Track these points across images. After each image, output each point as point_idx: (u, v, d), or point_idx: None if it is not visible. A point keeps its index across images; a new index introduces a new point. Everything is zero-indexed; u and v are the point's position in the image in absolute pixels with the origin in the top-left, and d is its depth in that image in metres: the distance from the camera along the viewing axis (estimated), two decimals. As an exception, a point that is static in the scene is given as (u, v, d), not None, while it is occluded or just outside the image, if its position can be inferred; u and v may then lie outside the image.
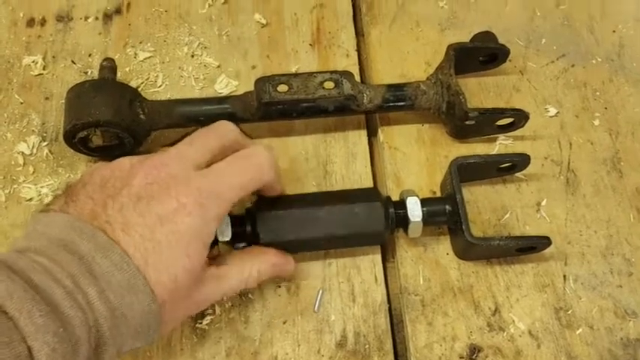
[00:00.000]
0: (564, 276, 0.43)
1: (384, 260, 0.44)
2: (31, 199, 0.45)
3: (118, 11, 0.54)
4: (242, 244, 0.40)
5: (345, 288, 0.43)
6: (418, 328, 0.41)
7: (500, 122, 0.46)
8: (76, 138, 0.43)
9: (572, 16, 0.54)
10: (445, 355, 0.40)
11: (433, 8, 0.54)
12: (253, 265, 0.37)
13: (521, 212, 0.45)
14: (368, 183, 0.46)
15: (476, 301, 0.42)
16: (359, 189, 0.44)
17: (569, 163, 0.47)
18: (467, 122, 0.45)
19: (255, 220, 0.39)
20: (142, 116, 0.44)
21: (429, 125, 0.49)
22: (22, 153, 0.47)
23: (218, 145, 0.37)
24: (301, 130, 0.48)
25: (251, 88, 0.44)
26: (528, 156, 0.43)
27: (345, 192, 0.42)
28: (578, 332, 0.41)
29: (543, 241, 0.41)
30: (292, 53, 0.52)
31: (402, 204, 0.40)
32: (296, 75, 0.44)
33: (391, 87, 0.46)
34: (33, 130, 0.48)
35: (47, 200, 0.45)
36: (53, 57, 0.51)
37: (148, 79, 0.50)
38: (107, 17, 0.53)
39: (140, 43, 0.52)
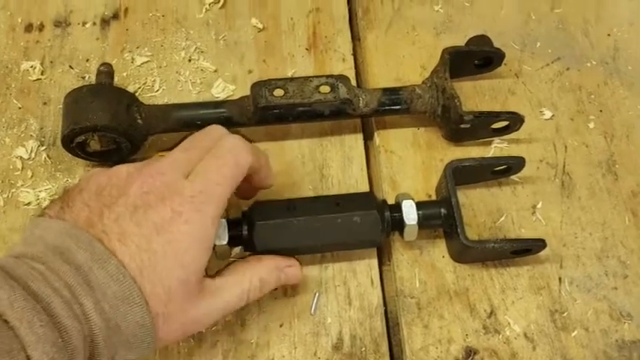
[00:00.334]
0: (560, 278, 0.43)
1: (380, 263, 0.44)
2: (29, 204, 0.46)
3: (116, 16, 0.54)
4: (239, 248, 0.40)
5: (341, 291, 0.43)
6: (414, 331, 0.41)
7: (496, 125, 0.46)
8: (73, 143, 0.43)
9: (567, 20, 0.54)
10: (441, 357, 0.40)
11: (429, 12, 0.54)
12: (253, 274, 0.37)
13: (517, 215, 0.45)
14: (364, 186, 0.47)
15: (471, 303, 0.42)
16: (355, 194, 0.44)
17: (564, 166, 0.48)
18: (462, 126, 0.45)
19: (251, 227, 0.39)
20: (139, 121, 0.44)
21: (425, 129, 0.49)
22: (21, 157, 0.47)
23: (209, 147, 0.36)
24: (297, 134, 0.49)
25: (248, 92, 0.45)
26: (523, 159, 0.43)
27: (340, 197, 0.42)
28: (573, 334, 0.41)
29: (538, 244, 0.41)
30: (289, 57, 0.52)
31: (397, 207, 0.41)
32: (292, 79, 0.45)
33: (387, 91, 0.46)
34: (31, 135, 0.48)
35: (45, 205, 0.45)
36: (51, 62, 0.52)
37: (145, 83, 0.51)
38: (105, 22, 0.54)
39: (137, 47, 0.52)
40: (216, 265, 0.37)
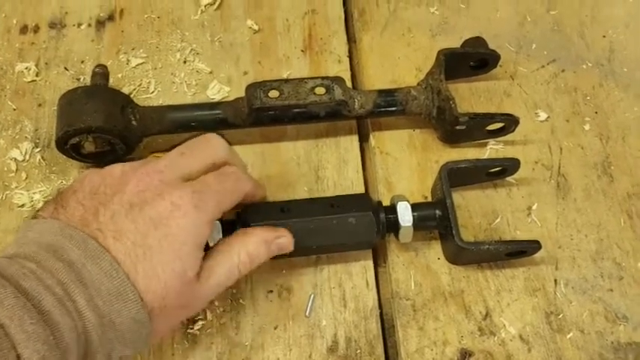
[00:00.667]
0: (555, 280, 0.43)
1: (376, 265, 0.44)
2: (23, 206, 0.45)
3: (111, 18, 0.54)
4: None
5: (336, 293, 0.43)
6: (409, 333, 0.41)
7: (491, 127, 0.46)
8: (68, 144, 0.43)
9: (563, 22, 0.54)
10: (436, 359, 0.40)
11: (424, 14, 0.54)
12: (240, 248, 0.36)
13: (512, 217, 0.45)
14: (359, 188, 0.47)
15: (467, 305, 0.42)
16: (350, 195, 0.44)
17: (559, 168, 0.48)
18: (457, 127, 0.45)
19: (245, 222, 0.39)
20: (133, 122, 0.44)
21: (420, 130, 0.49)
22: (15, 159, 0.47)
23: (208, 160, 0.37)
24: (293, 136, 0.49)
25: (243, 94, 0.45)
26: (518, 160, 0.43)
27: (335, 199, 0.41)
28: (568, 336, 0.41)
29: (533, 246, 0.41)
30: (284, 59, 0.52)
31: (392, 209, 0.40)
32: (287, 81, 0.45)
33: (382, 92, 0.46)
34: (26, 137, 0.48)
35: (39, 206, 0.45)
36: (46, 64, 0.52)
37: (140, 85, 0.51)
38: (100, 24, 0.53)
39: (132, 49, 0.52)
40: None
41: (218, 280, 0.35)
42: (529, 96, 0.51)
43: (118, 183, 0.34)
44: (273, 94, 0.44)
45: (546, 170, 0.47)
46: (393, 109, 0.46)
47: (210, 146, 0.37)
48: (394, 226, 0.40)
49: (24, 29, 0.53)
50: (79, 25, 0.53)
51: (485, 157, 0.48)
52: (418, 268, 0.43)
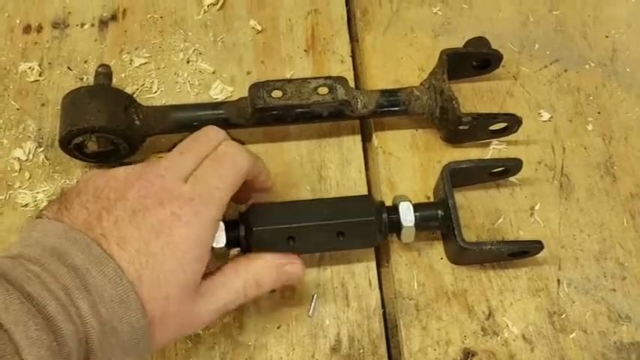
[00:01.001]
0: (558, 280, 0.43)
1: (379, 265, 0.44)
2: (26, 205, 0.46)
3: (114, 18, 0.54)
4: (237, 250, 0.40)
5: (339, 293, 0.43)
6: (412, 333, 0.41)
7: (494, 127, 0.46)
8: (71, 144, 0.43)
9: (566, 22, 0.54)
10: (439, 359, 0.40)
11: (427, 14, 0.54)
12: (248, 274, 0.36)
13: (515, 217, 0.45)
14: (362, 188, 0.47)
15: (470, 305, 0.42)
16: (353, 197, 0.43)
17: (562, 168, 0.48)
18: (460, 127, 0.45)
19: (249, 231, 0.38)
20: (136, 122, 0.44)
21: (423, 130, 0.49)
22: (18, 159, 0.47)
23: (208, 152, 0.36)
24: (296, 136, 0.49)
25: (246, 93, 0.45)
26: (520, 160, 0.43)
27: (338, 201, 0.41)
28: (571, 336, 0.41)
29: (535, 246, 0.41)
30: (287, 59, 0.52)
31: (394, 209, 0.40)
32: (290, 81, 0.45)
33: (385, 92, 0.46)
34: (29, 136, 0.48)
35: (43, 206, 0.45)
36: (49, 63, 0.52)
37: (143, 85, 0.51)
38: (103, 24, 0.54)
39: (136, 49, 0.52)
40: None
41: (224, 303, 0.35)
42: (532, 96, 0.51)
43: (121, 188, 0.34)
44: (276, 94, 0.44)
45: (549, 170, 0.47)
46: (396, 109, 0.46)
47: (207, 139, 0.37)
48: (396, 227, 0.40)
49: (27, 29, 0.53)
50: (82, 24, 0.54)
51: (488, 157, 0.48)
52: (421, 267, 0.43)
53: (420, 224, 0.40)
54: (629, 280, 0.43)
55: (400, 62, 0.52)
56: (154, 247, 0.32)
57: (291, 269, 0.37)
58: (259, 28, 0.54)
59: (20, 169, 0.47)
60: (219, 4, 0.54)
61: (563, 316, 0.42)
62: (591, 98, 0.51)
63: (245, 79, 0.51)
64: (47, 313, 0.28)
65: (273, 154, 0.48)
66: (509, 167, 0.44)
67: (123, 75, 0.51)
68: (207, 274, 0.36)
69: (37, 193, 0.46)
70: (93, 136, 0.42)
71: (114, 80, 0.48)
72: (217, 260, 0.38)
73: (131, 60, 0.52)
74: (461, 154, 0.47)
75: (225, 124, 0.45)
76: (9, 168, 0.47)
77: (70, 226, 0.32)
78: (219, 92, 0.50)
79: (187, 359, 0.40)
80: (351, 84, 0.49)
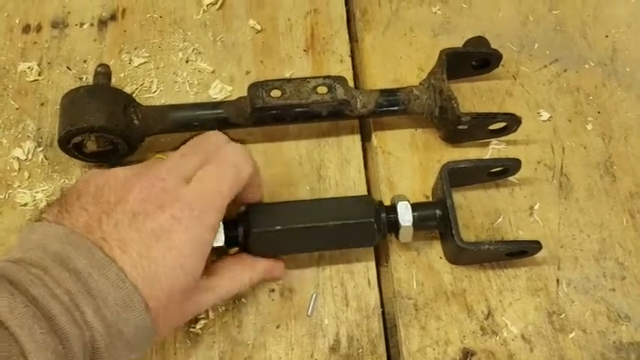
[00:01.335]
0: (557, 280, 0.43)
1: (378, 264, 0.44)
2: (26, 205, 0.46)
3: (113, 18, 0.54)
4: (235, 249, 0.40)
5: (338, 292, 0.43)
6: (411, 332, 0.41)
7: (493, 127, 0.46)
8: (70, 143, 0.43)
9: (565, 21, 0.54)
10: (438, 359, 0.40)
11: (426, 14, 0.54)
12: (244, 276, 0.38)
13: (514, 216, 0.45)
14: (361, 187, 0.47)
15: (469, 305, 0.42)
16: (352, 198, 0.43)
17: (562, 168, 0.47)
18: (459, 127, 0.45)
19: (247, 232, 0.38)
20: (135, 122, 0.44)
21: (423, 130, 0.49)
22: (18, 158, 0.47)
23: (210, 155, 0.36)
24: (295, 135, 0.49)
25: (245, 93, 0.45)
26: (519, 160, 0.43)
27: (337, 202, 0.41)
28: (571, 336, 0.41)
29: (534, 246, 0.41)
30: (286, 59, 0.52)
31: (392, 209, 0.40)
32: (289, 80, 0.45)
33: (384, 92, 0.46)
34: (28, 136, 0.48)
35: (42, 206, 0.45)
36: (48, 63, 0.52)
37: (142, 84, 0.51)
38: (102, 24, 0.54)
39: (135, 49, 0.52)
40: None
41: (219, 295, 0.37)
42: (531, 96, 0.51)
43: (121, 189, 0.34)
44: (276, 93, 0.44)
45: (549, 170, 0.47)
46: (395, 108, 0.46)
47: (210, 143, 0.37)
48: (394, 226, 0.40)
49: (26, 29, 0.53)
50: (82, 24, 0.54)
51: (487, 156, 0.48)
52: (420, 267, 0.43)
53: (418, 224, 0.40)
54: (628, 279, 0.43)
55: (399, 62, 0.52)
56: (154, 251, 0.32)
57: (275, 273, 0.41)
58: (258, 27, 0.54)
59: (19, 169, 0.47)
60: (219, 3, 0.55)
61: (562, 316, 0.42)
62: (591, 98, 0.51)
63: (244, 79, 0.51)
64: (52, 317, 0.28)
65: (272, 154, 0.48)
66: (508, 167, 0.44)
67: (122, 75, 0.51)
68: (213, 267, 0.37)
69: (36, 192, 0.46)
70: (92, 136, 0.42)
71: (113, 80, 0.48)
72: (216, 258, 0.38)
73: (130, 60, 0.52)
74: (460, 154, 0.47)
75: (224, 123, 0.45)
76: (8, 167, 0.47)
77: (70, 229, 0.32)
78: (218, 92, 0.50)
79: (187, 358, 0.40)
80: (351, 84, 0.49)
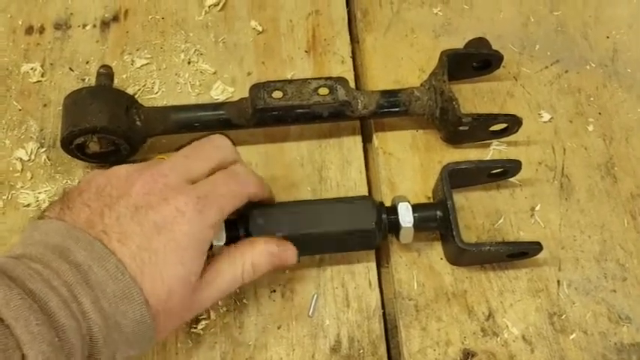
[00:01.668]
0: (558, 281, 0.43)
1: (379, 265, 0.44)
2: (28, 205, 0.46)
3: (116, 19, 0.54)
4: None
5: (339, 293, 0.43)
6: (412, 333, 0.41)
7: (494, 128, 0.46)
8: (73, 144, 0.43)
9: (566, 22, 0.54)
10: (439, 359, 0.40)
11: (427, 15, 0.54)
12: (245, 258, 0.36)
13: (515, 217, 0.45)
14: (363, 189, 0.47)
15: (470, 306, 0.42)
16: (353, 200, 0.42)
17: (563, 169, 0.48)
18: (460, 128, 0.45)
19: (248, 235, 0.39)
20: (138, 123, 0.44)
21: (424, 131, 0.49)
22: (20, 159, 0.48)
23: (213, 160, 0.37)
24: (296, 136, 0.49)
25: (247, 94, 0.45)
26: (520, 162, 0.43)
27: (338, 204, 0.41)
28: (571, 337, 0.41)
29: (534, 247, 0.41)
30: (288, 60, 0.52)
31: (393, 210, 0.41)
32: (290, 81, 0.45)
33: (385, 93, 0.47)
34: (31, 137, 0.49)
35: (45, 206, 0.45)
36: (51, 64, 0.52)
37: (144, 85, 0.51)
38: (105, 25, 0.54)
39: (137, 50, 0.53)
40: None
41: (220, 287, 0.36)
42: (532, 97, 0.51)
43: (123, 185, 0.34)
44: (277, 94, 0.44)
45: (550, 171, 0.47)
46: (396, 109, 0.46)
47: (214, 147, 0.38)
48: (395, 227, 0.40)
49: (29, 30, 0.54)
50: (84, 25, 0.54)
51: (488, 157, 0.48)
52: (421, 268, 0.43)
53: (419, 225, 0.40)
54: (629, 281, 0.43)
55: (400, 63, 0.52)
56: (155, 243, 0.32)
57: (284, 255, 0.38)
58: (260, 28, 0.54)
59: (22, 170, 0.47)
60: (220, 5, 0.55)
61: (563, 317, 0.42)
62: (592, 99, 0.51)
63: (246, 80, 0.51)
64: (49, 309, 0.28)
65: (273, 155, 0.48)
66: (509, 168, 0.44)
67: (124, 76, 0.51)
68: (211, 260, 0.37)
69: (39, 193, 0.46)
70: (94, 137, 0.43)
71: (115, 81, 0.48)
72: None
73: (132, 61, 0.52)
74: (461, 155, 0.47)
75: (225, 124, 0.45)
76: (11, 168, 0.47)
77: (72, 224, 0.32)
78: (220, 93, 0.51)
79: (188, 359, 0.40)
80: (352, 85, 0.49)
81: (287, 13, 0.55)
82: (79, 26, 0.54)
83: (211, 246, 0.38)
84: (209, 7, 0.55)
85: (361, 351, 0.41)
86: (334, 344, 0.41)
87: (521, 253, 0.41)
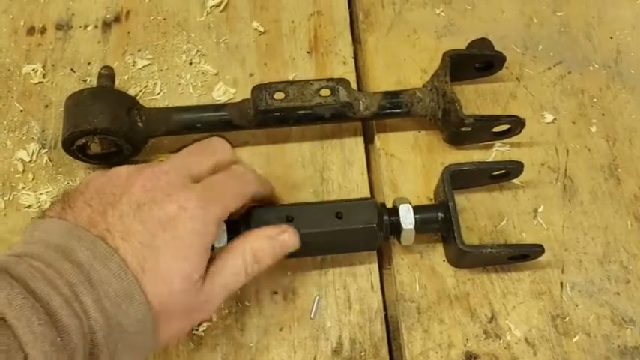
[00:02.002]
0: (561, 283, 0.43)
1: (381, 267, 0.44)
2: (30, 206, 0.46)
3: (117, 20, 0.54)
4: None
5: (341, 295, 0.43)
6: (414, 335, 0.41)
7: (497, 129, 0.46)
8: (74, 145, 0.43)
9: (569, 23, 0.54)
10: (441, 362, 0.40)
11: (430, 16, 0.54)
12: (244, 246, 0.35)
13: (518, 219, 0.45)
14: (364, 190, 0.47)
15: (472, 308, 0.42)
16: (355, 202, 0.42)
17: (566, 170, 0.47)
18: (463, 129, 0.45)
19: (249, 223, 0.39)
20: (139, 124, 0.44)
21: (426, 132, 0.49)
22: (22, 160, 0.48)
23: (213, 161, 0.37)
24: (298, 137, 0.49)
25: (249, 95, 0.45)
26: (521, 164, 0.43)
27: (340, 206, 0.40)
28: (574, 340, 0.41)
29: (536, 250, 0.41)
30: (289, 61, 0.52)
31: (394, 211, 0.40)
32: (292, 82, 0.45)
33: (387, 94, 0.46)
34: (33, 138, 0.49)
35: (46, 207, 0.45)
36: (53, 65, 0.52)
37: (146, 86, 0.51)
38: (106, 26, 0.54)
39: (139, 51, 0.52)
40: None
41: (224, 281, 0.35)
42: (535, 98, 0.50)
43: (124, 183, 0.34)
44: (279, 95, 0.44)
45: (552, 172, 0.47)
46: (399, 110, 0.46)
47: (214, 148, 0.38)
48: (396, 229, 0.40)
49: (31, 31, 0.54)
50: (86, 26, 0.54)
51: (490, 159, 0.47)
52: (423, 270, 0.43)
53: (420, 227, 0.40)
54: (633, 283, 0.43)
55: (403, 64, 0.52)
56: (159, 239, 0.32)
57: (284, 238, 0.36)
58: (262, 29, 0.54)
59: (24, 171, 0.47)
60: (222, 5, 0.55)
61: (566, 320, 0.42)
62: (595, 100, 0.50)
63: (248, 81, 0.51)
64: (51, 309, 0.28)
65: (275, 156, 0.48)
66: (510, 170, 0.44)
67: (126, 76, 0.51)
68: (212, 257, 0.36)
69: (41, 194, 0.46)
70: (96, 138, 0.43)
71: (117, 82, 0.48)
72: None
73: (134, 62, 0.52)
74: (464, 156, 0.47)
75: (227, 125, 0.45)
76: (12, 169, 0.47)
77: (73, 224, 0.32)
78: (221, 94, 0.50)
79: (189, 361, 0.40)
80: (354, 86, 0.49)
81: (289, 14, 0.54)
82: (80, 27, 0.54)
83: (213, 247, 0.38)
84: (211, 7, 0.55)
85: (363, 353, 0.41)
86: (336, 346, 0.41)
87: (522, 255, 0.41)
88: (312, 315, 0.42)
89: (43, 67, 0.52)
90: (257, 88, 0.44)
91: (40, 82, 0.51)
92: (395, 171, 0.47)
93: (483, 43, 0.49)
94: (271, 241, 0.36)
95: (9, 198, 0.46)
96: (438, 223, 0.41)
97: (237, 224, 0.39)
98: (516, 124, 0.45)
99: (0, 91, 0.51)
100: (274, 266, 0.37)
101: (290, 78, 0.51)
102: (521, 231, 0.45)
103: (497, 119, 0.45)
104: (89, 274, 0.30)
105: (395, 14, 0.55)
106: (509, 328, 0.41)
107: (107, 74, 0.46)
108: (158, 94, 0.51)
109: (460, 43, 0.51)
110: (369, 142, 0.50)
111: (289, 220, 0.39)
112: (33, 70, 0.51)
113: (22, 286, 0.28)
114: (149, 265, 0.32)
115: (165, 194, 0.33)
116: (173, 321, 0.34)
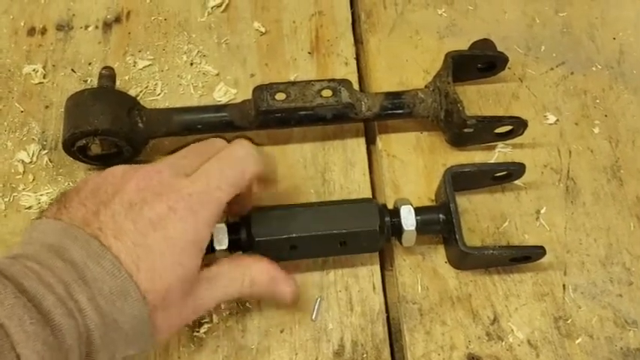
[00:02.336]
0: (564, 285, 0.43)
1: (382, 269, 0.44)
2: (30, 208, 0.46)
3: (118, 20, 0.54)
4: (239, 253, 0.40)
5: (343, 296, 0.42)
6: (416, 337, 0.41)
7: (499, 130, 0.46)
8: (74, 146, 0.43)
9: (572, 24, 0.54)
10: (443, 364, 0.40)
11: (432, 16, 0.54)
12: (245, 270, 0.36)
13: (521, 220, 0.45)
14: (366, 191, 0.46)
15: (474, 310, 0.42)
16: (356, 203, 0.42)
17: (568, 171, 0.47)
18: (465, 130, 0.45)
19: (250, 239, 0.38)
20: (140, 125, 0.44)
21: (428, 133, 0.48)
22: (22, 161, 0.47)
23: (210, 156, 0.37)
24: (300, 138, 0.48)
25: (250, 96, 0.45)
26: (523, 165, 0.43)
27: (341, 207, 0.41)
28: (577, 342, 0.41)
29: (538, 251, 0.40)
30: (291, 61, 0.52)
31: (396, 212, 0.40)
32: (294, 83, 0.45)
33: (389, 95, 0.46)
34: (33, 139, 0.48)
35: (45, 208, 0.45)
36: (53, 66, 0.52)
37: (147, 87, 0.51)
38: (107, 26, 0.54)
39: (139, 51, 0.52)
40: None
41: (222, 288, 0.36)
42: (538, 99, 0.50)
43: (118, 183, 0.34)
44: (280, 96, 0.44)
45: (555, 174, 0.47)
46: (401, 111, 0.46)
47: (213, 149, 0.38)
48: (397, 230, 0.40)
49: (31, 31, 0.53)
50: (86, 27, 0.54)
51: (493, 160, 0.47)
52: (425, 271, 0.43)
53: (422, 228, 0.40)
54: (635, 285, 0.43)
55: (405, 64, 0.52)
56: (151, 239, 0.32)
57: (283, 286, 0.37)
58: (263, 30, 0.53)
59: (24, 172, 0.47)
60: (223, 5, 0.54)
61: (569, 322, 0.41)
62: (598, 101, 0.50)
63: (249, 82, 0.51)
64: (44, 308, 0.28)
65: (276, 157, 0.47)
66: (513, 171, 0.43)
67: (126, 77, 0.51)
68: (209, 263, 0.36)
69: (41, 195, 0.46)
70: (96, 139, 0.42)
71: (117, 82, 0.48)
72: None
73: (135, 62, 0.52)
74: (466, 157, 0.47)
75: (228, 126, 0.45)
76: (13, 170, 0.47)
77: (68, 223, 0.32)
78: (222, 95, 0.50)
79: (190, 363, 0.40)
80: (356, 86, 0.49)
81: (290, 14, 0.54)
82: (81, 27, 0.54)
83: (213, 249, 0.38)
84: (212, 8, 0.54)
85: (365, 355, 0.40)
86: (337, 348, 0.41)
87: (524, 257, 0.41)
88: (313, 317, 0.42)
89: (44, 67, 0.51)
90: (258, 89, 0.44)
91: (40, 83, 0.51)
92: (397, 172, 0.47)
93: (486, 43, 0.49)
94: (272, 281, 0.37)
95: (9, 199, 0.46)
96: (440, 224, 0.41)
97: (238, 225, 0.39)
98: (519, 125, 0.45)
99: (0, 92, 0.50)
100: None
101: (291, 79, 0.51)
102: (523, 232, 0.44)
103: (499, 120, 0.45)
104: (83, 273, 0.30)
105: (397, 15, 0.54)
106: (512, 330, 0.41)
107: (108, 75, 0.46)
108: (159, 94, 0.50)
109: (462, 44, 0.50)
110: (370, 142, 0.50)
111: (288, 221, 0.39)
112: (33, 70, 0.51)
113: (15, 285, 0.28)
114: (144, 264, 0.32)
115: (156, 194, 0.33)
116: (170, 316, 0.34)
